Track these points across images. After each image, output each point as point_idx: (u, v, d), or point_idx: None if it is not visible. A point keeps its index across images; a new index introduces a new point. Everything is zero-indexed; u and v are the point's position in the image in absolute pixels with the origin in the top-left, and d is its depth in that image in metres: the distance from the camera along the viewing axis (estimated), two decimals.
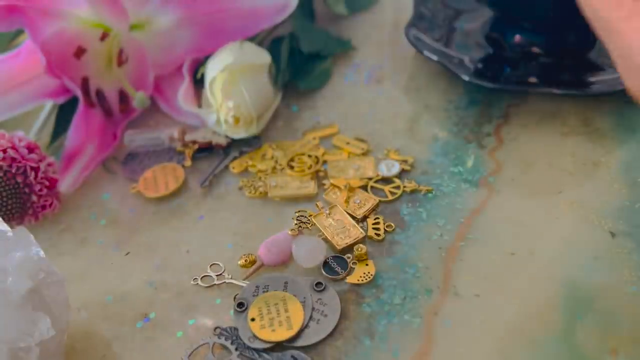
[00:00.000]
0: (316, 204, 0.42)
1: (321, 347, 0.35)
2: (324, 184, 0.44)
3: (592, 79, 0.47)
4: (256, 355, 0.35)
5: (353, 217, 0.41)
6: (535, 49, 0.49)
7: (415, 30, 0.51)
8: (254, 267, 0.39)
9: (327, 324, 0.36)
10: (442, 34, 0.52)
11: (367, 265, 0.39)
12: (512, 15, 0.49)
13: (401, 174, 0.44)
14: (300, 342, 0.35)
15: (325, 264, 0.39)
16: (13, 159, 0.42)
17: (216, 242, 0.42)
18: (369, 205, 0.42)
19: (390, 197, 0.42)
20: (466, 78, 0.46)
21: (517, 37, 0.49)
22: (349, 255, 0.39)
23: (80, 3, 0.46)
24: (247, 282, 0.39)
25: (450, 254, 0.39)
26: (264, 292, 0.38)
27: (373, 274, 0.38)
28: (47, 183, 0.44)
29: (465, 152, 0.45)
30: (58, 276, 0.35)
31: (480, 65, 0.49)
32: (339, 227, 0.41)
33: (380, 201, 0.42)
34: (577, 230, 0.39)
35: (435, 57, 0.48)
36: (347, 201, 0.42)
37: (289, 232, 0.40)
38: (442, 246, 0.39)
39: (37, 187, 0.43)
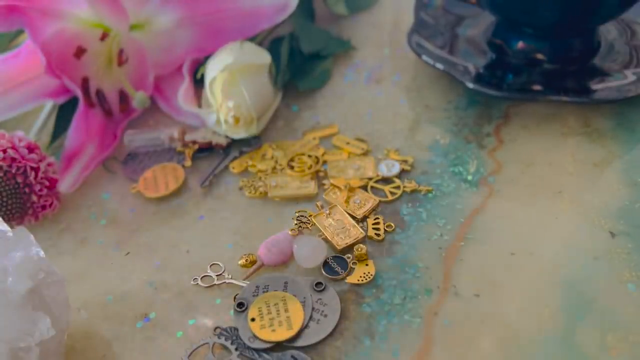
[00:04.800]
0: (316, 204, 0.42)
1: (321, 347, 0.35)
2: (324, 184, 0.44)
3: (598, 86, 0.46)
4: (256, 355, 0.35)
5: (353, 217, 0.41)
6: (539, 56, 0.48)
7: (417, 37, 0.51)
8: (254, 267, 0.39)
9: (327, 324, 0.36)
10: (445, 40, 0.51)
11: (367, 265, 0.39)
12: (515, 20, 0.49)
13: (401, 174, 0.44)
14: (300, 342, 0.35)
15: (326, 264, 0.39)
16: (13, 159, 0.42)
17: (216, 242, 0.42)
18: (369, 205, 0.42)
19: (390, 197, 0.42)
20: (471, 86, 0.46)
21: (521, 44, 0.49)
22: (349, 255, 0.39)
23: (80, 3, 0.46)
24: (247, 282, 0.39)
25: (450, 254, 0.39)
26: (264, 292, 0.38)
27: (373, 274, 0.38)
28: (47, 183, 0.44)
29: (465, 152, 0.45)
30: (58, 276, 0.35)
31: (483, 72, 0.48)
32: (339, 227, 0.41)
33: (380, 201, 0.42)
34: (577, 230, 0.39)
35: (441, 66, 0.48)
36: (347, 201, 0.42)
37: (289, 232, 0.40)
38: (442, 246, 0.39)
39: (37, 187, 0.43)
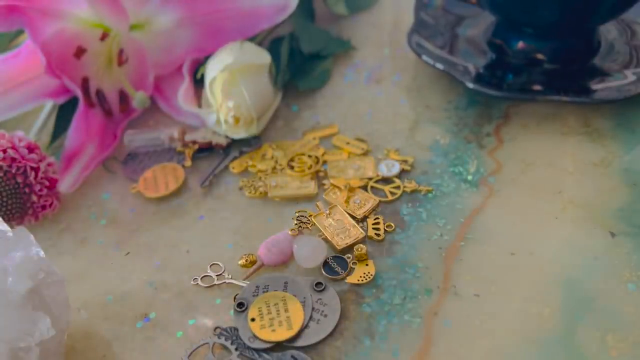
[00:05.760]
0: (316, 204, 0.42)
1: (321, 347, 0.35)
2: (324, 184, 0.44)
3: (598, 86, 0.46)
4: (256, 355, 0.35)
5: (353, 217, 0.41)
6: (539, 56, 0.48)
7: (417, 37, 0.51)
8: (254, 267, 0.39)
9: (327, 324, 0.36)
10: (445, 40, 0.51)
11: (367, 265, 0.39)
12: (515, 20, 0.48)
13: (401, 174, 0.44)
14: (300, 342, 0.35)
15: (326, 264, 0.39)
16: (13, 159, 0.42)
17: (216, 242, 0.42)
18: (369, 205, 0.42)
19: (390, 197, 0.42)
20: (471, 86, 0.46)
21: (521, 44, 0.49)
22: (349, 255, 0.39)
23: (80, 3, 0.46)
24: (247, 282, 0.39)
25: (450, 254, 0.39)
26: (264, 292, 0.38)
27: (373, 274, 0.38)
28: (47, 183, 0.44)
29: (465, 152, 0.45)
30: (58, 276, 0.35)
31: (483, 73, 0.48)
32: (339, 227, 0.41)
33: (380, 201, 0.42)
34: (577, 230, 0.39)
35: (441, 66, 0.48)
36: (347, 201, 0.42)
37: (289, 232, 0.40)
38: (442, 246, 0.39)
39: (37, 187, 0.43)
